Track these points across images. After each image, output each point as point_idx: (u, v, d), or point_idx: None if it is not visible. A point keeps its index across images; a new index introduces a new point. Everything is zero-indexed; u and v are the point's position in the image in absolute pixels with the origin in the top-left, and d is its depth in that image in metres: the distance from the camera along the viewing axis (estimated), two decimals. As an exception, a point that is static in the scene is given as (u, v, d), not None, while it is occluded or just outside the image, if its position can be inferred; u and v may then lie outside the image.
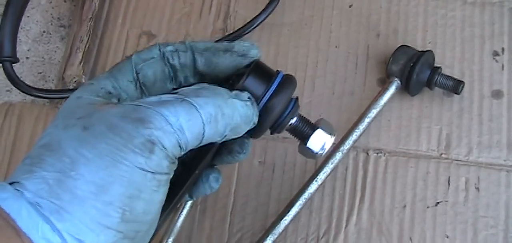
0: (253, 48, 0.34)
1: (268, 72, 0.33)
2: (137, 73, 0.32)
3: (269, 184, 0.52)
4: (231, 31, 0.56)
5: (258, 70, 0.33)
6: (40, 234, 0.25)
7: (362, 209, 0.50)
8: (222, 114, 0.30)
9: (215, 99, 0.30)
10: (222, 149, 0.36)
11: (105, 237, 0.26)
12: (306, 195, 0.49)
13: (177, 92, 0.29)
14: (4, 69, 0.53)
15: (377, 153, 0.52)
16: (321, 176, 0.49)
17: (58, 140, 0.27)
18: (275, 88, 0.32)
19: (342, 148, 0.50)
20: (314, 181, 0.49)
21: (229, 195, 0.52)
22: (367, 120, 0.51)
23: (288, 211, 0.49)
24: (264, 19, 0.55)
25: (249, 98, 0.31)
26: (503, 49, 0.54)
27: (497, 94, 0.52)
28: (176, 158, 0.28)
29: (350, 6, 0.57)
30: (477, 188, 0.50)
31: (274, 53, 0.56)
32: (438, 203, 0.50)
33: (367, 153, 0.52)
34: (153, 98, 0.29)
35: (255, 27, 0.55)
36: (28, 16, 0.61)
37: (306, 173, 0.51)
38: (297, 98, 0.35)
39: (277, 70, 0.34)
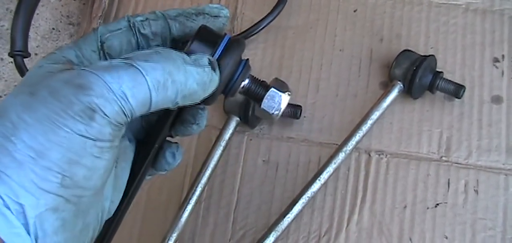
0: (223, 8, 0.34)
1: (215, 35, 0.32)
2: (102, 43, 0.32)
3: (272, 183, 0.53)
4: (238, 32, 0.58)
5: (204, 33, 0.32)
6: None
7: (363, 209, 0.51)
8: (173, 80, 0.28)
9: (165, 64, 0.28)
10: (176, 120, 0.35)
11: (45, 201, 0.26)
12: (308, 194, 0.50)
13: (127, 57, 0.28)
14: (15, 63, 0.54)
15: (379, 155, 0.53)
16: (324, 176, 0.50)
17: (5, 105, 0.27)
18: (222, 50, 0.31)
19: (344, 149, 0.51)
20: (317, 181, 0.50)
21: (233, 192, 0.53)
22: (369, 122, 0.52)
23: (291, 209, 0.50)
24: (271, 21, 0.57)
25: (209, 63, 0.30)
26: (503, 56, 0.55)
27: (497, 100, 0.54)
28: (121, 124, 0.28)
29: (354, 11, 0.58)
30: (476, 191, 0.51)
31: (280, 55, 0.58)
32: (437, 204, 0.51)
33: (369, 154, 0.53)
34: (102, 63, 0.28)
35: (261, 29, 0.57)
36: (37, 13, 0.62)
37: (309, 173, 0.52)
38: (247, 59, 0.34)
39: (225, 33, 0.33)
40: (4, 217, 0.25)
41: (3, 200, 0.25)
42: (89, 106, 0.26)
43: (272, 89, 0.34)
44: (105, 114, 0.27)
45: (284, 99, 0.34)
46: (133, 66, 0.28)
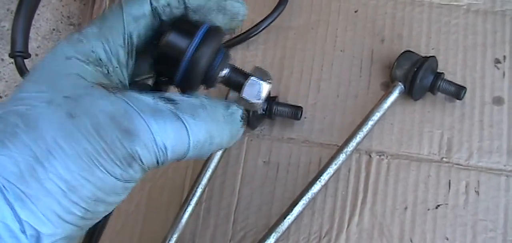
0: (243, 9, 0.33)
1: (192, 25, 0.31)
2: (130, 37, 0.30)
3: (273, 184, 0.53)
4: (239, 33, 0.58)
5: (181, 24, 0.31)
6: (0, 218, 0.24)
7: (364, 210, 0.51)
8: (211, 142, 0.29)
9: (210, 125, 0.29)
10: None
11: (62, 230, 0.26)
12: (309, 195, 0.50)
13: (173, 101, 0.28)
14: (15, 63, 0.54)
15: (380, 156, 0.53)
16: (324, 177, 0.50)
17: (37, 117, 0.26)
18: (199, 40, 0.31)
19: (345, 150, 0.51)
20: (317, 182, 0.50)
21: (234, 193, 0.53)
22: (370, 123, 0.52)
23: (291, 210, 0.50)
24: (272, 22, 0.57)
25: (241, 118, 0.31)
26: (504, 57, 0.55)
27: (498, 101, 0.54)
28: (149, 169, 0.28)
29: (355, 11, 0.58)
30: (477, 192, 0.51)
31: (281, 55, 0.58)
32: (438, 206, 0.51)
33: (370, 155, 0.53)
34: (146, 101, 0.27)
35: (262, 30, 0.57)
36: (38, 14, 0.62)
37: (309, 174, 0.52)
38: (226, 48, 0.33)
39: (203, 22, 0.32)
40: (17, 241, 0.25)
41: (22, 225, 0.25)
42: (131, 154, 0.26)
43: (252, 77, 0.33)
44: (142, 163, 0.27)
45: (265, 88, 0.33)
46: (180, 119, 0.27)
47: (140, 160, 0.26)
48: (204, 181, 0.51)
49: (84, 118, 0.26)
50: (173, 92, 0.29)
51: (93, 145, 0.26)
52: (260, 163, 0.54)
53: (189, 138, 0.28)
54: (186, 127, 0.27)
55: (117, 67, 0.29)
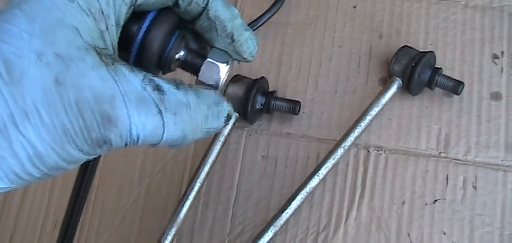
0: (250, 55, 0.33)
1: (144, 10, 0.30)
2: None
3: (271, 178, 0.53)
4: (237, 28, 0.58)
5: (145, 12, 0.30)
6: None
7: (362, 204, 0.51)
8: (182, 141, 0.28)
9: (188, 126, 0.28)
10: None
11: (16, 185, 0.26)
12: (307, 189, 0.50)
13: (161, 91, 0.27)
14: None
15: (378, 151, 0.53)
16: (323, 171, 0.50)
17: (23, 72, 0.25)
18: (149, 23, 0.30)
19: (343, 145, 0.51)
20: (315, 176, 0.50)
21: (232, 188, 0.53)
22: (368, 118, 0.52)
23: (290, 204, 0.50)
24: (270, 17, 0.57)
25: (226, 117, 0.30)
26: (502, 52, 0.55)
27: (496, 96, 0.54)
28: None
29: (354, 7, 0.59)
30: (475, 187, 0.51)
31: (279, 51, 0.58)
32: (436, 200, 0.51)
33: (368, 150, 0.53)
34: (135, 85, 0.26)
35: (260, 25, 0.57)
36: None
37: (307, 168, 0.52)
38: (181, 30, 0.32)
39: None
40: None
41: None
42: (105, 140, 0.26)
43: (208, 59, 0.31)
44: (111, 146, 0.27)
45: (223, 70, 0.31)
46: (161, 115, 0.27)
47: (111, 145, 0.26)
48: (203, 175, 0.52)
49: (70, 89, 0.25)
50: (166, 78, 0.28)
51: (72, 122, 0.25)
52: (259, 157, 0.54)
53: (162, 136, 0.27)
54: (164, 125, 0.27)
55: (113, 26, 0.28)
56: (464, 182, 0.51)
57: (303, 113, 0.55)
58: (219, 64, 0.31)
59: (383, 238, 0.50)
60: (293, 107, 0.53)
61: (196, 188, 0.51)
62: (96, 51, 0.26)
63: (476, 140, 0.52)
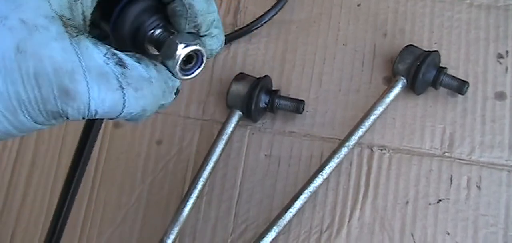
0: (209, 53, 0.32)
1: None
2: None
3: (274, 177, 0.53)
4: (241, 26, 0.57)
5: None
6: None
7: (365, 204, 0.51)
8: (142, 115, 0.28)
9: (148, 101, 0.28)
10: None
11: None
12: (310, 188, 0.50)
13: (124, 65, 0.27)
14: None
15: (381, 150, 0.53)
16: (326, 171, 0.50)
17: None
18: (119, 10, 0.30)
19: (347, 144, 0.51)
20: (319, 175, 0.50)
21: (235, 187, 0.53)
22: (372, 117, 0.52)
23: (293, 204, 0.50)
24: (274, 15, 0.56)
25: (176, 92, 0.30)
26: (507, 52, 0.55)
27: (500, 96, 0.53)
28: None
29: (358, 5, 0.58)
30: (479, 187, 0.51)
31: (283, 49, 0.57)
32: (440, 200, 0.51)
33: (372, 150, 0.53)
34: (97, 58, 0.26)
35: (264, 23, 0.56)
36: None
37: (311, 167, 0.52)
38: (159, 12, 0.31)
39: None
40: None
41: None
42: (60, 112, 0.25)
43: (170, 37, 0.30)
44: (67, 118, 0.26)
45: (180, 49, 0.29)
46: (122, 90, 0.26)
47: (67, 116, 0.26)
48: (206, 174, 0.51)
49: (29, 58, 0.24)
50: (127, 53, 0.28)
51: (28, 92, 0.25)
52: (262, 156, 0.54)
53: (122, 111, 0.27)
54: (124, 101, 0.27)
55: None
56: (468, 182, 0.51)
57: (307, 111, 0.54)
58: (179, 44, 0.30)
59: (386, 238, 0.50)
60: (297, 106, 0.53)
61: (199, 186, 0.51)
62: (62, 20, 0.26)
63: (480, 140, 0.52)
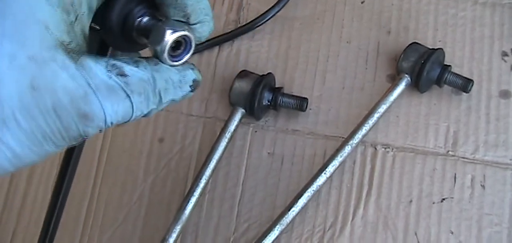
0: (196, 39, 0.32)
1: None
2: None
3: (277, 176, 0.53)
4: (244, 23, 0.57)
5: None
6: None
7: (368, 202, 0.51)
8: (153, 112, 0.30)
9: (157, 99, 0.29)
10: None
11: None
12: (314, 187, 0.50)
13: (124, 75, 0.28)
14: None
15: (385, 148, 0.52)
16: (329, 169, 0.50)
17: (3, 80, 0.25)
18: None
19: (350, 142, 0.51)
20: (322, 174, 0.50)
21: (238, 185, 0.53)
22: (376, 115, 0.51)
23: (296, 202, 0.49)
24: (277, 12, 0.56)
25: (192, 85, 0.31)
26: (511, 50, 0.55)
27: (505, 94, 0.53)
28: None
29: (362, 2, 0.58)
30: (483, 186, 0.50)
31: (286, 46, 0.57)
32: (443, 199, 0.50)
33: (375, 148, 0.52)
34: (101, 76, 0.27)
35: (267, 20, 0.56)
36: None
37: (314, 166, 0.52)
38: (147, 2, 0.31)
39: None
40: None
41: None
42: (82, 134, 0.27)
43: (159, 23, 0.30)
44: (87, 136, 0.27)
45: (168, 35, 0.29)
46: (129, 98, 0.28)
47: (87, 135, 0.27)
48: (208, 172, 0.51)
49: (45, 93, 0.25)
50: (124, 59, 0.28)
51: (50, 125, 0.26)
52: (265, 154, 0.53)
53: (132, 115, 0.28)
54: (133, 106, 0.28)
55: (84, 13, 0.28)
56: (472, 181, 0.51)
57: (310, 109, 0.54)
58: (167, 29, 0.30)
59: (390, 237, 0.49)
60: (301, 103, 0.52)
61: (201, 185, 0.51)
62: (63, 46, 0.26)
63: (484, 138, 0.52)
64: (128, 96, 0.28)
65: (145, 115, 0.30)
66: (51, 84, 0.26)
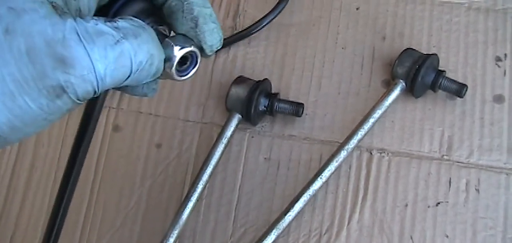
0: (210, 48, 0.31)
1: None
2: None
3: (273, 180, 0.53)
4: (240, 30, 0.58)
5: None
6: None
7: (364, 207, 0.51)
8: (151, 63, 0.27)
9: (151, 44, 0.27)
10: None
11: None
12: (310, 192, 0.50)
13: (116, 26, 0.26)
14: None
15: (380, 153, 0.53)
16: (325, 174, 0.50)
17: None
18: (121, 3, 0.30)
19: (346, 147, 0.51)
20: (318, 179, 0.50)
21: (234, 190, 0.53)
22: (371, 120, 0.52)
23: (292, 207, 0.50)
24: (273, 18, 0.56)
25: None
26: (505, 55, 0.55)
27: (499, 99, 0.54)
28: (84, 100, 0.25)
29: (357, 9, 0.58)
30: (477, 190, 0.51)
31: (282, 52, 0.57)
32: (438, 203, 0.51)
33: (371, 153, 0.53)
34: (90, 24, 0.25)
35: (263, 27, 0.57)
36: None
37: (310, 171, 0.52)
38: (151, 16, 0.31)
39: None
40: None
41: None
42: (62, 85, 0.24)
43: (166, 39, 0.30)
44: (75, 94, 0.25)
45: (175, 51, 0.30)
46: (123, 40, 0.25)
47: (73, 92, 0.24)
48: (205, 177, 0.51)
49: (19, 37, 0.23)
50: (115, 19, 0.27)
51: (22, 70, 0.23)
52: (261, 159, 0.54)
53: (131, 61, 0.26)
54: (129, 48, 0.26)
55: None
56: (466, 185, 0.51)
57: (306, 115, 0.55)
58: (174, 46, 0.30)
59: (385, 241, 0.50)
60: (297, 109, 0.53)
61: (198, 190, 0.51)
62: (52, 5, 0.25)
63: (479, 143, 0.52)
64: (121, 38, 0.25)
65: (145, 74, 0.27)
66: (28, 28, 0.24)
